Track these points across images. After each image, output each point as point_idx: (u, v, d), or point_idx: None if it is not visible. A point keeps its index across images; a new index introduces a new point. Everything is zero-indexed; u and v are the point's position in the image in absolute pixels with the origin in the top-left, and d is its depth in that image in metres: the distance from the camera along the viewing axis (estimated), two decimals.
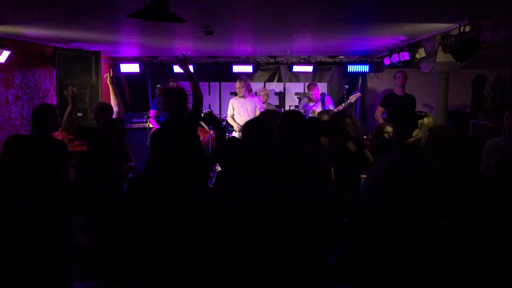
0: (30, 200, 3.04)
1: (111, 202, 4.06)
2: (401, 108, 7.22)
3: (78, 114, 6.97)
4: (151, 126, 7.58)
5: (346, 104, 7.69)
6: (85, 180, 4.11)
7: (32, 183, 3.11)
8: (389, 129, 4.82)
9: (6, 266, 3.04)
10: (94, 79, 7.18)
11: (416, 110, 6.99)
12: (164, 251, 2.62)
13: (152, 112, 7.82)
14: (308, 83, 8.35)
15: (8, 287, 3.04)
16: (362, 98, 9.35)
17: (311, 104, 7.80)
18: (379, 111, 7.55)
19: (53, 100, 7.23)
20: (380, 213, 2.52)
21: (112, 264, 4.10)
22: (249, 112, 7.39)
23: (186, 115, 4.24)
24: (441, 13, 4.72)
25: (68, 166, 4.12)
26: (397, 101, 7.37)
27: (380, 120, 7.49)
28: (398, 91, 7.45)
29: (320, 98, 7.77)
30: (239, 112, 7.49)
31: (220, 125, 4.19)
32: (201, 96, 4.41)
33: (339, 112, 5.10)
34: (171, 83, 7.69)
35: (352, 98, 7.85)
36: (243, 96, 7.44)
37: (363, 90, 9.40)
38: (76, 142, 7.07)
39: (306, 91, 8.08)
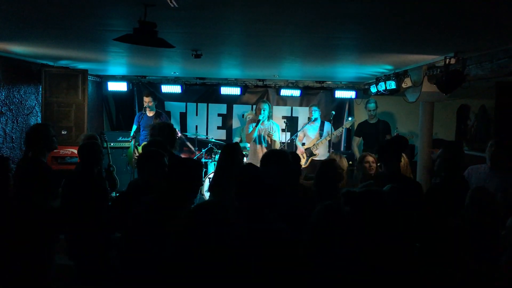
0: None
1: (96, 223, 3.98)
2: (375, 135, 7.41)
3: (62, 132, 6.94)
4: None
5: (343, 128, 7.78)
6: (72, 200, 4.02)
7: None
8: (369, 158, 4.83)
9: None
10: (80, 98, 7.12)
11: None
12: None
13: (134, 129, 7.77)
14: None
15: None
16: None
17: (308, 122, 7.84)
18: (355, 141, 7.72)
19: (37, 117, 7.15)
20: None
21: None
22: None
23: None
24: (427, 46, 4.79)
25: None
26: (370, 128, 7.60)
27: (355, 150, 7.67)
28: (370, 119, 7.71)
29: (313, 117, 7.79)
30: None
31: None
32: None
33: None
34: (146, 100, 7.65)
35: (347, 124, 7.96)
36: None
37: (350, 116, 9.46)
38: (59, 161, 6.97)
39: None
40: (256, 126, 7.12)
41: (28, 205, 3.03)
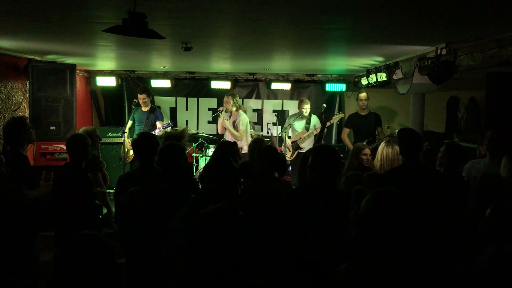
0: None
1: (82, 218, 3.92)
2: (365, 127, 7.42)
3: (51, 128, 6.84)
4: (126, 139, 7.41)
5: (329, 124, 7.71)
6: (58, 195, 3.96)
7: None
8: (367, 151, 4.80)
9: None
10: (68, 93, 7.00)
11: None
12: None
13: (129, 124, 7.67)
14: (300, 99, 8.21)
15: None
16: None
17: (297, 119, 7.78)
18: (345, 132, 7.72)
19: (25, 112, 7.03)
20: None
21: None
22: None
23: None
24: (418, 37, 4.78)
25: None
26: (361, 120, 7.58)
27: (347, 141, 7.63)
28: (361, 111, 7.65)
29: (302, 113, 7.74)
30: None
31: None
32: None
33: None
34: (141, 97, 7.56)
35: (335, 119, 7.88)
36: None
37: (340, 109, 9.47)
38: (48, 157, 6.88)
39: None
40: (218, 116, 7.51)
41: (7, 197, 2.99)
